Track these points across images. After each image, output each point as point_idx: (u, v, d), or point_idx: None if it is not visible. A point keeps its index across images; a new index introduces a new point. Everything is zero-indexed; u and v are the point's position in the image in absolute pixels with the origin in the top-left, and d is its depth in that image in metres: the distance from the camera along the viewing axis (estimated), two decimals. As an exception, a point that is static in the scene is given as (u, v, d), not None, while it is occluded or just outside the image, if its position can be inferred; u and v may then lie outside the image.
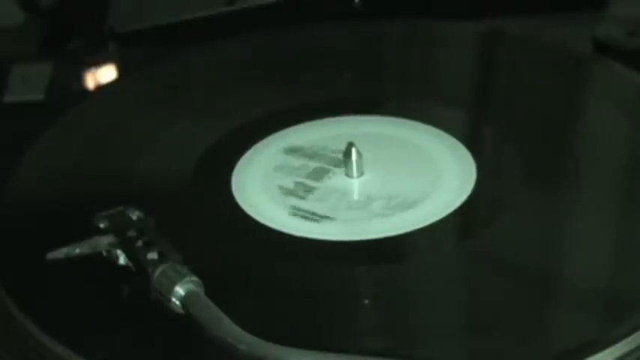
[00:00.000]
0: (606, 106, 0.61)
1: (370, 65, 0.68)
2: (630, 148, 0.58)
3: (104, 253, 0.50)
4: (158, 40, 0.78)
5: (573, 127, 0.61)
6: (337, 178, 0.57)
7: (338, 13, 0.77)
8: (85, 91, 0.71)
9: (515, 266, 0.50)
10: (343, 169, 0.57)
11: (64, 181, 0.58)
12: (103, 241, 0.50)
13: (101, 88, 0.71)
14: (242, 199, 0.55)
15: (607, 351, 0.44)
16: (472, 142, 0.59)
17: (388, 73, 0.68)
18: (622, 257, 0.50)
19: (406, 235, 0.52)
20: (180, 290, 0.46)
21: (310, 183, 0.57)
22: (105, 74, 0.73)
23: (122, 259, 0.49)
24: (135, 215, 0.51)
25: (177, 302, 0.46)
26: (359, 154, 0.56)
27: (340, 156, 0.57)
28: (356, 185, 0.56)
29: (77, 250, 0.50)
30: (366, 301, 0.50)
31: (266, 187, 0.56)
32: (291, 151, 0.59)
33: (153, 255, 0.48)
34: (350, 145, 0.56)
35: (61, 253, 0.50)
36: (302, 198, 0.55)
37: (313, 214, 0.54)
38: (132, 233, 0.50)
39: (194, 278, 0.46)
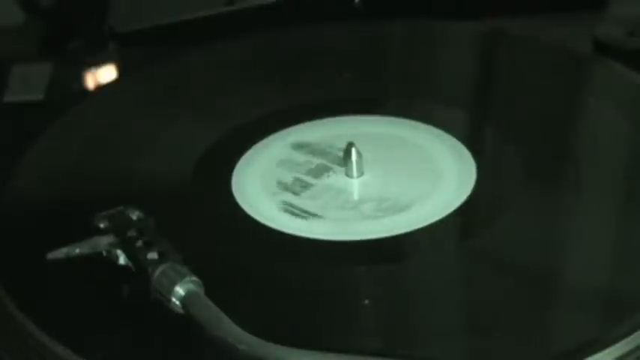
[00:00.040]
0: (606, 106, 0.61)
1: (370, 65, 0.68)
2: (630, 148, 0.58)
3: (104, 253, 0.50)
4: (158, 40, 0.78)
5: (573, 127, 0.61)
6: (336, 177, 0.57)
7: (338, 13, 0.77)
8: (85, 91, 0.71)
9: (515, 266, 0.50)
10: (344, 168, 0.57)
11: (64, 181, 0.58)
12: (103, 241, 0.50)
13: (101, 88, 0.71)
14: (242, 199, 0.55)
15: (607, 351, 0.44)
16: (472, 142, 0.59)
17: (388, 73, 0.68)
18: (622, 257, 0.50)
19: (400, 236, 0.52)
20: (180, 290, 0.46)
21: (308, 180, 0.57)
22: (105, 74, 0.73)
23: (122, 259, 0.49)
24: (135, 215, 0.51)
25: (177, 302, 0.46)
26: (359, 154, 0.56)
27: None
28: (352, 185, 0.56)
29: (77, 250, 0.50)
30: (366, 301, 0.50)
31: (264, 180, 0.56)
32: (299, 146, 0.59)
33: (153, 255, 0.48)
34: (350, 144, 0.56)
35: (61, 253, 0.50)
36: (296, 194, 0.56)
37: (303, 211, 0.54)
38: (132, 233, 0.50)
39: (194, 278, 0.46)
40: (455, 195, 0.54)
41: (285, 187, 0.56)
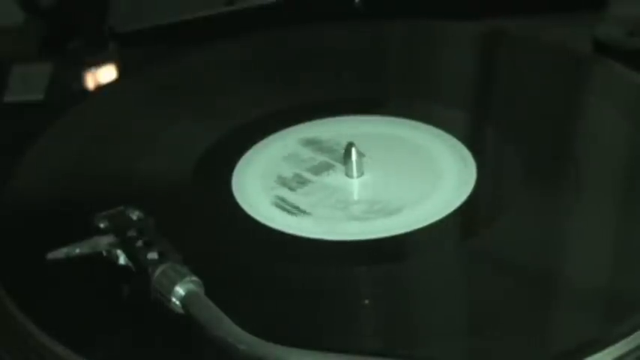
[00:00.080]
0: (606, 106, 0.61)
1: (370, 65, 0.68)
2: (630, 148, 0.58)
3: (104, 253, 0.50)
4: (158, 40, 0.78)
5: (573, 127, 0.61)
6: (335, 176, 0.57)
7: (338, 13, 0.77)
8: (85, 91, 0.71)
9: (514, 266, 0.50)
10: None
11: (64, 181, 0.58)
12: (103, 241, 0.50)
13: (101, 88, 0.71)
14: (242, 199, 0.55)
15: (607, 351, 0.44)
16: (472, 142, 0.59)
17: (388, 73, 0.68)
18: (622, 257, 0.50)
19: (400, 236, 0.52)
20: (180, 290, 0.46)
21: (307, 176, 0.57)
22: (105, 74, 0.73)
23: (122, 259, 0.49)
24: (135, 215, 0.51)
25: (178, 302, 0.46)
26: (359, 153, 0.56)
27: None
28: (348, 185, 0.56)
29: (77, 250, 0.50)
30: (366, 302, 0.50)
31: (265, 176, 0.57)
32: (308, 142, 0.59)
33: (153, 255, 0.48)
34: (350, 144, 0.56)
35: (61, 253, 0.50)
36: (292, 190, 0.56)
37: (294, 207, 0.54)
38: (132, 233, 0.50)
39: (194, 278, 0.46)
40: (455, 195, 0.54)
41: (283, 181, 0.56)
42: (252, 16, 0.78)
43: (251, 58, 0.69)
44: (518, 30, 0.71)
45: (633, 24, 0.72)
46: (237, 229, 0.54)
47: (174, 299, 0.46)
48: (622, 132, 0.59)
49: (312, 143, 0.59)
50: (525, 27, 0.73)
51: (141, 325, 0.47)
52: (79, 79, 0.72)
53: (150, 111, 0.64)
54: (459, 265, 0.51)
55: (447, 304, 0.48)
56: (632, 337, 0.45)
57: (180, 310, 0.46)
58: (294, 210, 0.54)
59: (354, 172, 0.56)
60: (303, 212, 0.54)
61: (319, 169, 0.57)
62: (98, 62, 0.73)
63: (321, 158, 0.58)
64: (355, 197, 0.55)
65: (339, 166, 0.57)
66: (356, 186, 0.56)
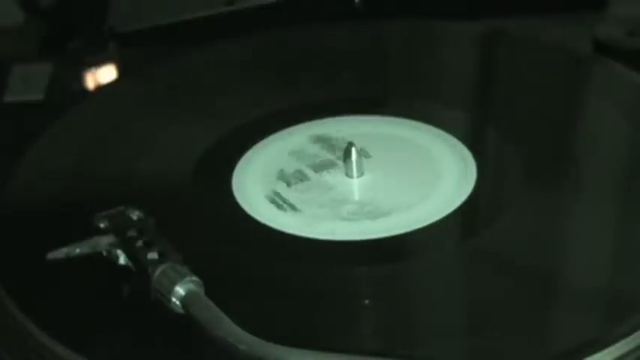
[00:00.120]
0: (606, 106, 0.61)
1: (370, 65, 0.68)
2: (630, 148, 0.58)
3: (104, 253, 0.50)
4: (158, 40, 0.78)
5: (573, 127, 0.61)
6: (335, 174, 0.57)
7: (338, 13, 0.77)
8: (85, 91, 0.71)
9: (514, 266, 0.50)
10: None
11: (64, 181, 0.58)
12: (103, 241, 0.50)
13: (101, 89, 0.71)
14: (242, 199, 0.55)
15: (607, 351, 0.44)
16: (472, 142, 0.59)
17: (388, 73, 0.68)
18: (622, 257, 0.50)
19: (400, 235, 0.52)
20: (180, 290, 0.46)
21: (307, 172, 0.57)
22: (105, 74, 0.73)
23: (122, 259, 0.49)
24: (135, 215, 0.51)
25: (178, 302, 0.46)
26: (359, 153, 0.56)
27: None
28: (345, 185, 0.56)
29: (77, 250, 0.50)
30: (366, 302, 0.50)
31: (266, 173, 0.57)
32: (318, 139, 0.59)
33: (153, 255, 0.48)
34: (350, 144, 0.56)
35: (61, 253, 0.50)
36: (289, 185, 0.56)
37: (286, 202, 0.54)
38: (132, 233, 0.50)
39: (194, 278, 0.46)
40: (455, 195, 0.54)
41: (282, 176, 0.56)
42: (252, 16, 0.78)
43: (251, 58, 0.69)
44: (518, 30, 0.71)
45: (633, 24, 0.72)
46: (237, 229, 0.54)
47: (174, 299, 0.46)
48: (622, 132, 0.59)
49: (322, 140, 0.59)
50: (525, 27, 0.73)
51: (141, 325, 0.47)
52: (79, 79, 0.72)
53: (150, 111, 0.64)
54: (459, 265, 0.51)
55: (447, 304, 0.48)
56: (632, 337, 0.45)
57: (180, 310, 0.46)
58: (284, 205, 0.54)
59: (354, 172, 0.56)
60: (293, 208, 0.54)
61: (320, 167, 0.57)
62: (98, 62, 0.73)
63: (327, 156, 0.58)
64: (348, 197, 0.55)
65: (342, 165, 0.57)
66: (352, 186, 0.56)
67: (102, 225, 0.50)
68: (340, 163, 0.57)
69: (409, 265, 0.51)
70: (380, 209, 0.54)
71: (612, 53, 0.69)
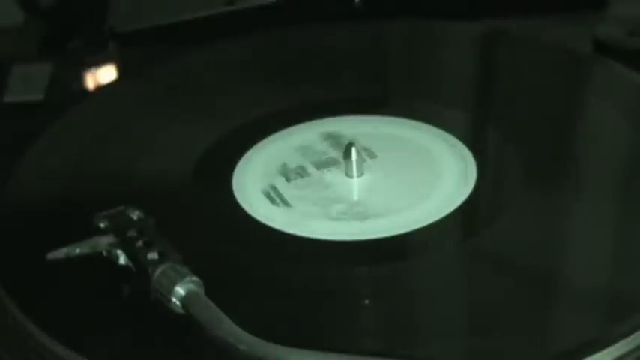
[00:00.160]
0: (606, 106, 0.61)
1: (370, 65, 0.68)
2: (630, 148, 0.58)
3: (104, 253, 0.50)
4: (158, 40, 0.78)
5: (573, 127, 0.61)
6: (335, 173, 0.57)
7: (338, 13, 0.77)
8: (85, 91, 0.71)
9: (515, 266, 0.50)
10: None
11: (64, 181, 0.58)
12: (103, 241, 0.50)
13: (101, 88, 0.71)
14: (242, 199, 0.55)
15: (607, 351, 0.44)
16: (472, 141, 0.59)
17: (388, 73, 0.68)
18: (622, 257, 0.50)
19: (400, 235, 0.52)
20: (180, 290, 0.46)
21: (309, 169, 0.57)
22: (105, 74, 0.73)
23: (122, 259, 0.49)
24: (135, 215, 0.51)
25: (178, 302, 0.46)
26: (359, 153, 0.56)
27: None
28: (342, 184, 0.56)
29: (77, 250, 0.50)
30: (366, 301, 0.50)
31: (268, 165, 0.57)
32: (329, 137, 0.59)
33: (153, 255, 0.48)
34: (350, 144, 0.56)
35: (61, 253, 0.50)
36: (287, 180, 0.56)
37: (279, 197, 0.54)
38: (132, 233, 0.50)
39: (194, 278, 0.46)
40: (455, 195, 0.54)
41: (283, 170, 0.56)
42: (252, 16, 0.78)
43: (251, 58, 0.69)
44: (518, 30, 0.71)
45: (633, 24, 0.72)
46: (237, 229, 0.54)
47: (174, 299, 0.46)
48: (622, 132, 0.59)
49: (331, 138, 0.59)
50: (525, 27, 0.73)
51: (141, 325, 0.47)
52: (79, 79, 0.72)
53: (150, 111, 0.64)
54: (459, 265, 0.51)
55: (447, 304, 0.48)
56: (632, 337, 0.45)
57: (181, 310, 0.46)
58: (278, 200, 0.54)
59: (354, 172, 0.56)
60: (285, 204, 0.54)
61: (322, 165, 0.57)
62: (98, 62, 0.73)
63: (332, 154, 0.58)
64: (341, 197, 0.55)
65: (343, 165, 0.57)
66: (349, 186, 0.56)
67: (102, 225, 0.50)
68: (343, 162, 0.57)
69: (409, 265, 0.51)
70: (370, 211, 0.54)
71: (612, 53, 0.69)
